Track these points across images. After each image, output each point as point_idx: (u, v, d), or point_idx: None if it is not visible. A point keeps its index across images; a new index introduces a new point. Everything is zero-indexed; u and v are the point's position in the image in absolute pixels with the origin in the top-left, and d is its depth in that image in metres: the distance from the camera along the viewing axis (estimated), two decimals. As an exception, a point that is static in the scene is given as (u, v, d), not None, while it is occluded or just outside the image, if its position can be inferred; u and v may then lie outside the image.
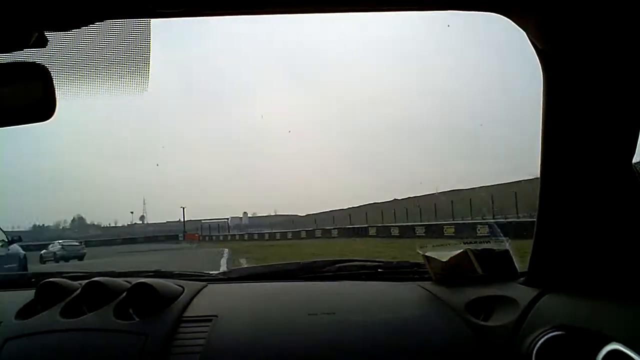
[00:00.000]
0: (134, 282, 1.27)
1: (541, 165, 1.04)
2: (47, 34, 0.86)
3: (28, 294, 1.31)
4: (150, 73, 0.93)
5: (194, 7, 0.86)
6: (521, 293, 1.12)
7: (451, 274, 1.30)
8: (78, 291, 1.28)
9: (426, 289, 1.30)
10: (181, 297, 1.27)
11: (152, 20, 0.88)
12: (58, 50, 0.91)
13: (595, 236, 0.99)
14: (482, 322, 1.11)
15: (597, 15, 0.83)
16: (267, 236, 36.77)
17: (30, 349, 1.13)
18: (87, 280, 1.29)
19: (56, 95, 0.86)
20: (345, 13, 0.95)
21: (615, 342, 0.78)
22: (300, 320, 1.18)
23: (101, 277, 1.30)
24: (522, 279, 1.20)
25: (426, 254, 1.34)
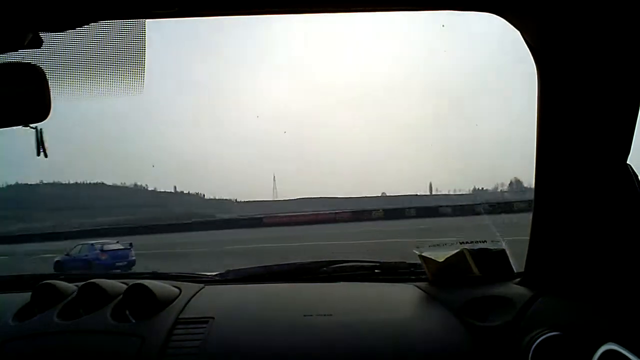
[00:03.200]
0: (130, 284, 1.27)
1: (536, 165, 1.03)
2: (42, 34, 0.86)
3: (25, 296, 1.31)
4: (145, 73, 0.93)
5: (188, 7, 0.86)
6: (518, 293, 1.12)
7: (447, 275, 1.29)
8: (75, 293, 1.28)
9: (422, 290, 1.30)
10: (178, 298, 1.27)
11: (147, 20, 0.88)
12: (53, 51, 0.91)
13: (591, 236, 0.98)
14: (479, 323, 1.11)
15: (591, 14, 0.83)
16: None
17: (27, 351, 1.13)
18: (83, 282, 1.29)
19: (51, 97, 0.86)
20: (343, 13, 0.95)
21: (611, 342, 0.78)
22: (297, 322, 1.17)
23: (98, 279, 1.30)
24: (518, 279, 1.20)
25: (422, 254, 1.33)
